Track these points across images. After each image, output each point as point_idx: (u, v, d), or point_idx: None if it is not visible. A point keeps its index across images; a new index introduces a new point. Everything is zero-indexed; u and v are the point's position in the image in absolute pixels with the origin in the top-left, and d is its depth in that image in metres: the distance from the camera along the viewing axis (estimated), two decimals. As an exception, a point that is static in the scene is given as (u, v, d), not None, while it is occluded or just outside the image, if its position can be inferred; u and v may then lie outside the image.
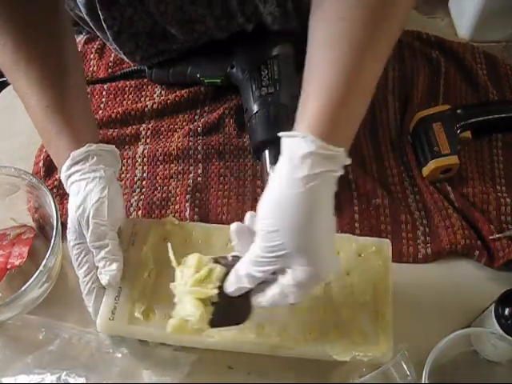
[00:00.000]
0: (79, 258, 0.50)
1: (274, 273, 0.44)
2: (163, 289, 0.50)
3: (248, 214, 0.47)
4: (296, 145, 0.42)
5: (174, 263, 0.48)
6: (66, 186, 0.52)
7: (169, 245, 0.49)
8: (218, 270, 0.46)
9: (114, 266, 0.49)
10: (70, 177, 0.51)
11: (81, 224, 0.49)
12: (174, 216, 0.61)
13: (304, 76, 0.45)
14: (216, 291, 0.45)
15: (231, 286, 0.45)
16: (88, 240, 0.49)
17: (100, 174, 0.50)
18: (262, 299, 0.45)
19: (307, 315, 0.48)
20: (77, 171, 0.50)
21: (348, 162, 0.43)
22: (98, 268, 0.50)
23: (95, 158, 0.50)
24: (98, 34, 0.68)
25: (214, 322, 0.45)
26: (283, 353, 0.47)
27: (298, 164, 0.41)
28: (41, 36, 0.50)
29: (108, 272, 0.49)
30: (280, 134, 0.44)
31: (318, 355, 0.47)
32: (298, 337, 0.47)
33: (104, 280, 0.49)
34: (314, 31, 0.45)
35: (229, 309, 0.46)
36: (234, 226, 0.46)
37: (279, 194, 0.42)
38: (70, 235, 0.50)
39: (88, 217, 0.49)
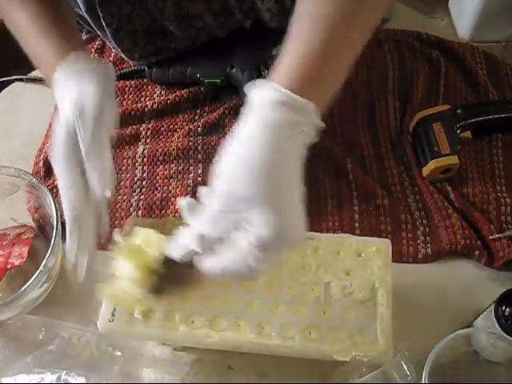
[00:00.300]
0: (66, 156, 0.44)
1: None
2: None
3: (202, 189, 0.42)
4: (263, 95, 0.40)
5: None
6: (56, 85, 0.47)
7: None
8: (161, 237, 0.44)
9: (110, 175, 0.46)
10: (60, 77, 0.47)
11: (75, 124, 0.44)
12: (174, 216, 0.61)
13: (286, 40, 0.44)
14: (156, 255, 0.43)
15: (178, 251, 0.42)
16: (85, 143, 0.45)
17: (98, 80, 0.46)
18: (216, 264, 0.40)
19: (307, 315, 0.48)
20: (70, 68, 0.47)
21: (321, 124, 0.42)
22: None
23: (91, 62, 0.48)
24: (98, 32, 0.68)
25: (158, 290, 0.44)
26: (283, 353, 0.47)
27: (264, 113, 0.39)
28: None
29: (100, 179, 0.45)
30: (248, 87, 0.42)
31: (317, 355, 0.47)
32: (297, 337, 0.47)
33: (97, 191, 0.45)
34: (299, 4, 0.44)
35: (174, 277, 0.44)
36: (183, 201, 0.42)
37: (241, 145, 0.40)
38: (59, 134, 0.45)
39: (84, 117, 0.45)
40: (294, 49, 0.42)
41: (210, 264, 0.40)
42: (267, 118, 0.39)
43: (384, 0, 0.45)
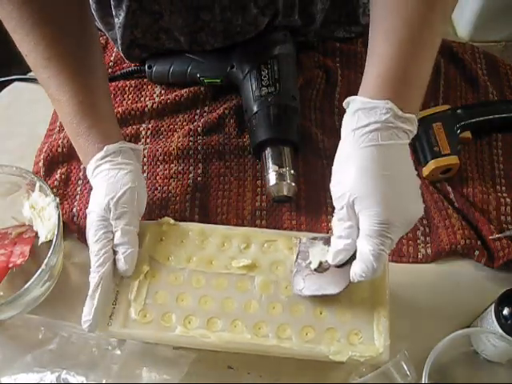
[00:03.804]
0: (98, 234, 0.50)
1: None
2: (160, 290, 0.50)
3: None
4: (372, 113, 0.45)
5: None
6: (93, 175, 0.53)
7: None
8: None
9: (132, 254, 0.50)
10: (100, 166, 0.53)
11: (109, 205, 0.50)
12: (174, 216, 0.61)
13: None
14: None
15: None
16: (114, 223, 0.50)
17: (130, 168, 0.53)
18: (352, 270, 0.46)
19: (304, 316, 0.48)
20: (108, 162, 0.52)
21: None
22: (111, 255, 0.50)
23: (126, 153, 0.54)
24: (102, 26, 0.68)
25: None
26: (279, 353, 0.47)
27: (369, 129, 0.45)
28: (71, 34, 0.52)
29: (128, 257, 0.50)
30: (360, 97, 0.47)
31: (314, 356, 0.47)
32: (294, 337, 0.47)
33: (122, 266, 0.49)
34: (375, 21, 0.49)
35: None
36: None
37: (345, 151, 0.47)
38: (94, 215, 0.50)
39: (118, 201, 0.50)
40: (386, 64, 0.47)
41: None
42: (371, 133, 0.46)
43: (451, 8, 0.49)
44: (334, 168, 0.48)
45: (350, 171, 0.45)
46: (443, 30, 0.49)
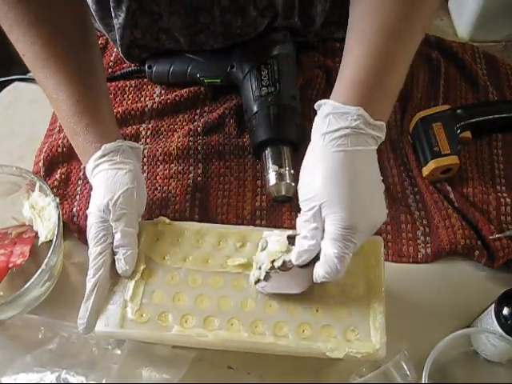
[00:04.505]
0: (98, 236, 0.50)
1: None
2: (156, 289, 0.50)
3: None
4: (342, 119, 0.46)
5: None
6: (92, 174, 0.53)
7: None
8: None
9: (132, 255, 0.50)
10: (98, 166, 0.52)
11: (108, 207, 0.50)
12: (174, 216, 0.61)
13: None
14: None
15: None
16: (114, 225, 0.50)
17: (129, 167, 0.53)
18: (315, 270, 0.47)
19: (300, 313, 0.48)
20: (107, 161, 0.52)
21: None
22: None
23: (125, 152, 0.53)
24: (102, 27, 0.68)
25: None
26: (276, 351, 0.47)
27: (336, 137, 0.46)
28: (68, 34, 0.52)
29: (128, 258, 0.50)
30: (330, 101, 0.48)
31: (311, 353, 0.47)
32: (290, 335, 0.47)
33: (122, 267, 0.50)
34: (353, 23, 0.50)
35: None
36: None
37: (314, 154, 0.48)
38: (93, 217, 0.50)
39: (117, 202, 0.50)
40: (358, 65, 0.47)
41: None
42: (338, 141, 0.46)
43: (431, 9, 0.49)
44: (303, 170, 0.49)
45: (318, 175, 0.46)
46: (419, 40, 0.49)
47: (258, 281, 0.50)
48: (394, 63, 0.48)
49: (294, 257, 0.48)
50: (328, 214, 0.46)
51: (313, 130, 0.49)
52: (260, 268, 0.50)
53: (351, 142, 0.46)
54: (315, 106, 0.49)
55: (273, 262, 0.50)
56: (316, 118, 0.49)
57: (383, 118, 0.48)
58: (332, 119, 0.47)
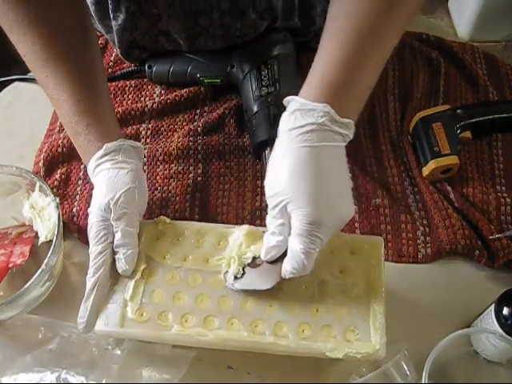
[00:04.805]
0: (99, 235, 0.50)
1: None
2: (156, 288, 0.50)
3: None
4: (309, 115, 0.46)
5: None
6: (93, 174, 0.53)
7: None
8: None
9: (133, 254, 0.50)
10: (100, 165, 0.52)
11: (109, 206, 0.50)
12: (174, 216, 0.61)
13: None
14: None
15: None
16: (114, 224, 0.50)
17: (131, 167, 0.53)
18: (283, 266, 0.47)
19: (300, 313, 0.48)
20: (108, 160, 0.52)
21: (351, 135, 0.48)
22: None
23: (126, 151, 0.53)
24: (101, 28, 0.68)
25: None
26: (276, 351, 0.47)
27: (303, 132, 0.46)
28: (68, 34, 0.52)
29: (128, 258, 0.50)
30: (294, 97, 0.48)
31: (310, 353, 0.47)
32: (290, 335, 0.47)
33: (122, 266, 0.50)
34: (328, 22, 0.49)
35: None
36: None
37: (280, 150, 0.47)
38: (94, 216, 0.50)
39: (118, 201, 0.50)
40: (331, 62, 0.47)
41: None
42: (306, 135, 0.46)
43: (412, 8, 0.48)
44: (269, 166, 0.49)
45: (284, 171, 0.46)
46: (394, 43, 0.49)
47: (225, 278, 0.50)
48: (365, 63, 0.48)
49: (262, 253, 0.48)
50: (293, 210, 0.45)
51: (280, 127, 0.49)
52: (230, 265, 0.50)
53: (317, 138, 0.46)
54: (284, 102, 0.49)
55: (241, 258, 0.50)
56: (283, 114, 0.49)
57: (351, 116, 0.48)
58: (298, 115, 0.47)
